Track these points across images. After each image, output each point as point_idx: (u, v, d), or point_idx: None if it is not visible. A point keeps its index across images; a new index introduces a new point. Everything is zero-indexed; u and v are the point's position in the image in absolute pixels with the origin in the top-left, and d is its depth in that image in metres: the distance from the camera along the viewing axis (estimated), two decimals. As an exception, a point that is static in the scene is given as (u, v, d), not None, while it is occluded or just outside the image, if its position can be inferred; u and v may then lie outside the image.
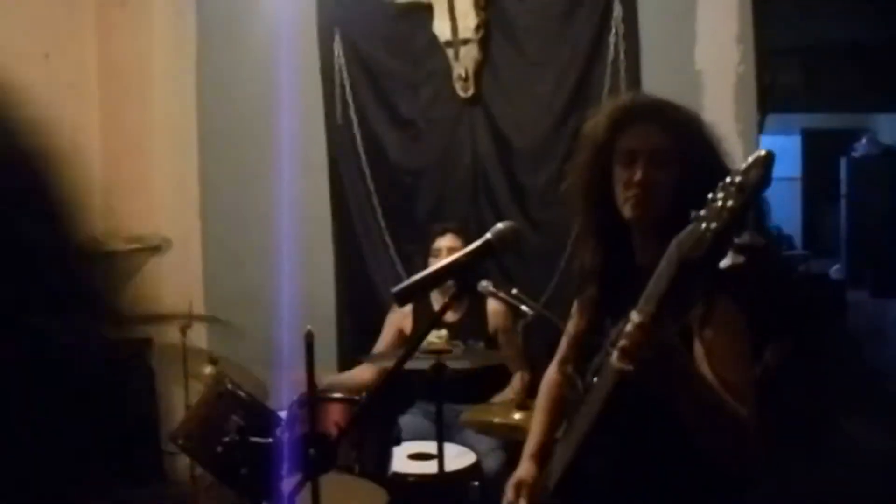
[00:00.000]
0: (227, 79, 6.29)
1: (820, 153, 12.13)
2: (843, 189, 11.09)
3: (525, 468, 2.76)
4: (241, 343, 5.93)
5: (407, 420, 4.86)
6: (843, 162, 11.21)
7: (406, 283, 2.44)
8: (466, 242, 4.90)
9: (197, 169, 6.36)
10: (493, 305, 4.85)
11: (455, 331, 4.93)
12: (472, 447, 4.48)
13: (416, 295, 2.48)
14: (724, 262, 1.81)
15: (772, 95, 6.06)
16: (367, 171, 5.95)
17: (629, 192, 2.38)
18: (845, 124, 11.62)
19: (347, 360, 6.01)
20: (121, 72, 6.15)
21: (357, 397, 3.92)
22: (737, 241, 1.80)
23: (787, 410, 4.80)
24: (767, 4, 5.29)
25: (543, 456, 2.74)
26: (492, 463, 4.49)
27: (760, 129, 8.93)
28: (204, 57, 6.33)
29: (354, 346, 6.03)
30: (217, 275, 6.43)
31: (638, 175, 2.36)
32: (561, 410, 2.76)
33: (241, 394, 4.15)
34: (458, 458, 4.32)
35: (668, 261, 1.90)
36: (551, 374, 2.90)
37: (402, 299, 2.47)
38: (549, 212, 5.49)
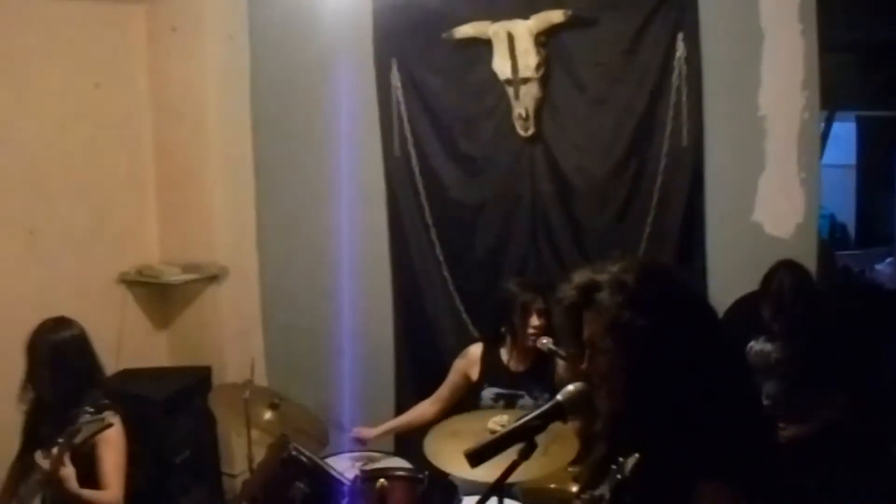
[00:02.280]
0: (281, 106, 6.26)
1: (876, 141, 11.91)
2: (900, 183, 10.89)
3: None
4: (300, 379, 5.97)
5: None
6: (901, 156, 11.00)
7: (478, 445, 2.44)
8: (549, 304, 4.84)
9: (253, 197, 6.37)
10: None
11: (520, 382, 4.93)
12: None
13: (488, 457, 2.46)
14: None
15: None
16: (426, 205, 5.92)
17: None
18: (902, 111, 11.37)
19: (405, 393, 6.07)
20: (174, 99, 6.17)
21: (420, 475, 3.91)
22: None
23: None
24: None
25: None
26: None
27: (829, 124, 8.86)
28: (257, 83, 6.30)
29: (412, 379, 6.10)
30: (274, 306, 6.46)
31: None
32: None
33: (305, 459, 4.16)
34: (516, 518, 4.29)
35: None
36: None
37: (474, 460, 2.47)
38: (607, 253, 5.44)
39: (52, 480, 3.87)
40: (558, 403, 2.35)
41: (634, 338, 2.15)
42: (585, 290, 2.27)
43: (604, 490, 1.77)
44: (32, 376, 4.23)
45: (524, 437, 2.40)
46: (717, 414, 2.15)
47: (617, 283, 2.21)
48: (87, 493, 3.99)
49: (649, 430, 2.17)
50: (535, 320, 4.83)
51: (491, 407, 4.94)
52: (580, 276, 2.31)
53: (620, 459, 1.77)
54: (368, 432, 5.14)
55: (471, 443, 2.39)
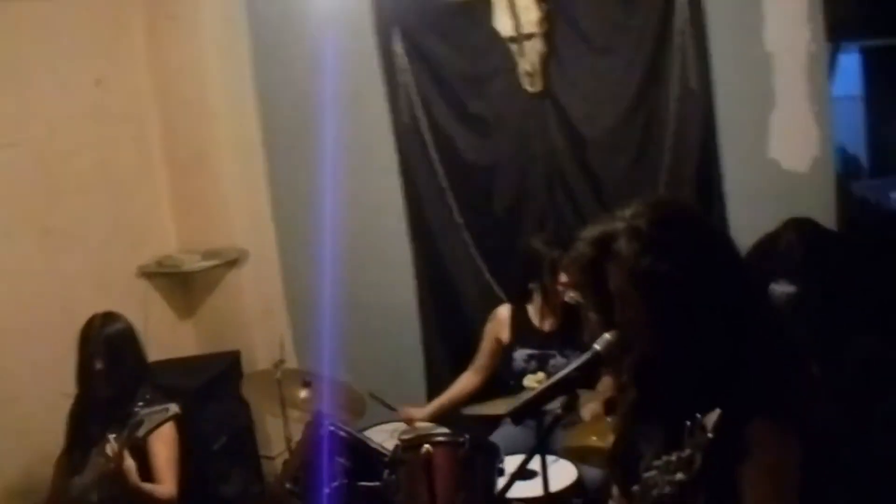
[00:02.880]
0: (285, 83, 6.23)
1: (882, 70, 11.80)
2: (910, 110, 10.77)
3: None
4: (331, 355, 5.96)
5: (503, 431, 4.88)
6: (909, 82, 10.88)
7: (519, 403, 2.44)
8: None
9: (266, 177, 6.35)
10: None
11: (551, 341, 4.93)
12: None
13: (531, 414, 2.45)
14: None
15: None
16: (440, 169, 5.91)
17: None
18: (907, 39, 11.25)
19: (434, 359, 6.11)
20: (177, 87, 6.13)
21: (461, 439, 3.90)
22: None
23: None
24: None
25: None
26: (593, 475, 4.44)
27: (835, 56, 8.77)
28: (260, 62, 6.26)
29: (440, 344, 6.12)
30: (297, 284, 6.44)
31: None
32: None
33: (343, 434, 4.15)
34: (560, 474, 4.25)
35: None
36: None
37: (516, 419, 2.46)
38: (626, 201, 5.40)
39: (115, 474, 3.86)
40: (596, 353, 2.33)
41: (657, 284, 2.13)
42: (600, 243, 2.26)
43: (687, 452, 1.74)
44: (85, 372, 4.22)
45: (565, 390, 2.39)
46: (755, 351, 2.15)
47: (631, 230, 2.20)
48: (147, 486, 3.99)
49: (687, 375, 2.16)
50: (564, 277, 4.83)
51: (523, 368, 4.96)
52: (592, 231, 2.31)
53: (698, 416, 1.75)
54: (417, 413, 5.15)
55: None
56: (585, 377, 2.39)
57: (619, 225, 2.23)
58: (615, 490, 2.60)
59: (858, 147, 12.14)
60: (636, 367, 2.32)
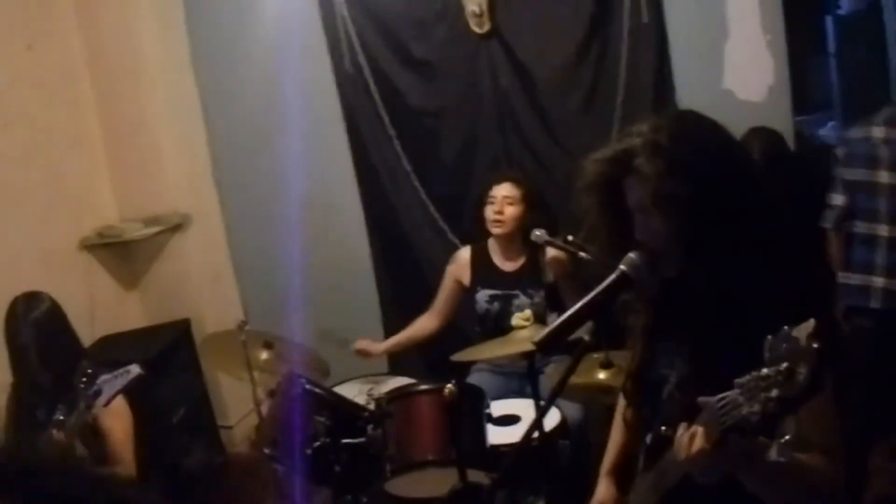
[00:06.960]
0: (220, 39, 6.04)
1: (801, 9, 11.89)
2: (832, 48, 10.90)
3: (604, 489, 2.64)
4: (282, 315, 5.82)
5: (475, 379, 4.81)
6: (829, 20, 10.98)
7: (546, 332, 2.32)
8: (525, 192, 4.84)
9: (205, 138, 6.14)
10: (551, 253, 4.73)
11: (513, 281, 4.87)
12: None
13: (559, 342, 2.34)
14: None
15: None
16: (386, 117, 5.79)
17: None
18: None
19: (391, 313, 6.05)
20: (109, 50, 5.83)
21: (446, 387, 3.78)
22: None
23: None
24: None
25: (620, 473, 2.62)
26: (575, 414, 4.41)
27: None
28: (193, 20, 6.03)
29: (396, 297, 6.06)
30: (244, 246, 6.30)
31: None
32: (637, 429, 2.52)
33: (319, 392, 4.03)
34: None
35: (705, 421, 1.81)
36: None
37: (544, 348, 2.36)
38: (580, 138, 5.34)
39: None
40: (623, 273, 2.22)
41: (680, 206, 2.05)
42: (617, 160, 2.17)
43: (784, 366, 1.63)
44: (18, 362, 3.99)
45: (592, 315, 2.29)
46: (783, 258, 2.11)
47: (652, 145, 2.10)
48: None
49: (715, 289, 2.10)
50: (488, 211, 4.84)
51: (486, 310, 4.93)
52: (605, 151, 2.23)
53: (785, 328, 1.64)
54: (374, 347, 5.17)
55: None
56: (612, 300, 2.28)
57: (637, 140, 2.13)
58: (625, 411, 2.56)
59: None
60: (663, 284, 2.24)
